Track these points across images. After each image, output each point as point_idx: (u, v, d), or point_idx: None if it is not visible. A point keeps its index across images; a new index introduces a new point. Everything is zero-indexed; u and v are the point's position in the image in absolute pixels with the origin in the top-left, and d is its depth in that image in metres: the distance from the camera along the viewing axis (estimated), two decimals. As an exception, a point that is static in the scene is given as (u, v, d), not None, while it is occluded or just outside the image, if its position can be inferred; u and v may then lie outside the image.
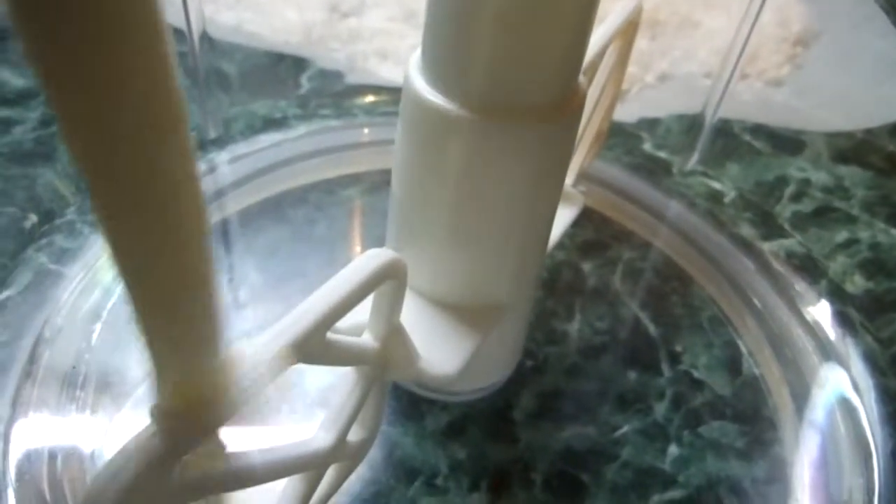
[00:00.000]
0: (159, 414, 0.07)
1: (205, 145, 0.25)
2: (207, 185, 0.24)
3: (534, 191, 0.13)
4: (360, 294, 0.10)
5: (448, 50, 0.12)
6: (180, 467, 0.08)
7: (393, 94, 0.28)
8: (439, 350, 0.13)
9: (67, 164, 0.24)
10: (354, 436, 0.13)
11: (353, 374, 0.12)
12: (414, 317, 0.14)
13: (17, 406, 0.17)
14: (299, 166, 0.25)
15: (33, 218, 0.22)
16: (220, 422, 0.08)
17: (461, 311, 0.14)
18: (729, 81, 0.25)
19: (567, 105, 0.13)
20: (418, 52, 0.13)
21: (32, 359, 0.18)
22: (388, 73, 0.29)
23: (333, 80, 0.29)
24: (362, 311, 0.12)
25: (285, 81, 0.28)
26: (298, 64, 0.29)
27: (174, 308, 0.07)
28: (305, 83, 0.28)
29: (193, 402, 0.08)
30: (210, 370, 0.08)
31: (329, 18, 0.31)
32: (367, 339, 0.12)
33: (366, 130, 0.26)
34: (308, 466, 0.11)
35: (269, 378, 0.08)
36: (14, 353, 0.18)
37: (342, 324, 0.10)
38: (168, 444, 0.07)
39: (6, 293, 0.20)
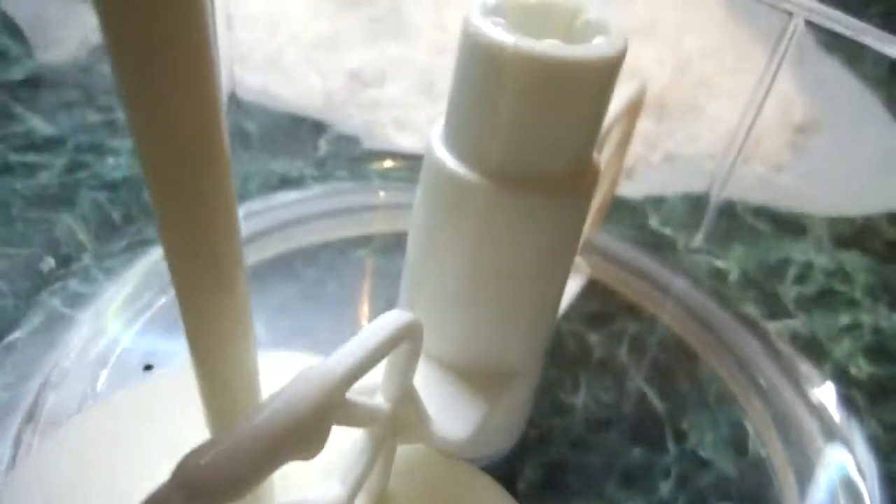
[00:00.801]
0: (187, 476, 0.07)
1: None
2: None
3: (547, 260, 0.14)
4: (380, 354, 0.10)
5: (470, 123, 0.12)
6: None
7: (407, 160, 0.29)
8: (450, 415, 0.13)
9: (87, 210, 0.25)
10: (360, 500, 0.13)
11: (364, 436, 0.12)
12: (425, 380, 0.14)
13: (18, 448, 0.17)
14: (313, 226, 0.26)
15: (50, 262, 0.22)
16: (241, 486, 0.08)
17: (471, 377, 0.14)
18: (734, 162, 0.26)
19: (582, 178, 0.13)
20: (441, 122, 0.14)
21: (37, 402, 0.18)
22: (404, 141, 0.30)
23: (351, 144, 0.29)
24: (374, 373, 0.12)
25: (304, 143, 0.29)
26: (318, 127, 0.30)
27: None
28: (324, 146, 0.29)
29: (217, 459, 0.08)
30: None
31: (350, 86, 0.32)
32: (380, 401, 0.12)
33: (381, 193, 0.27)
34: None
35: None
36: (19, 395, 0.18)
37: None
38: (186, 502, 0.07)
39: (16, 334, 0.20)
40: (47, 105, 0.29)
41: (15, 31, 0.30)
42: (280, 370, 0.10)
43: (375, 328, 0.11)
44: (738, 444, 0.20)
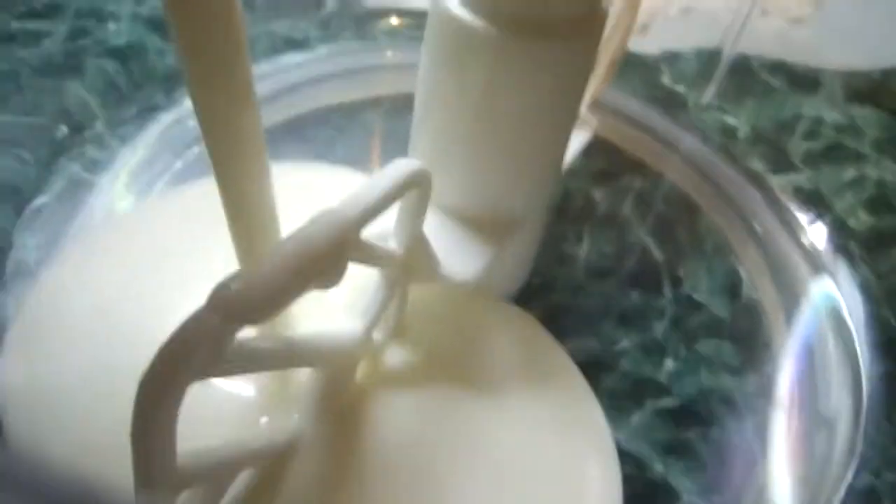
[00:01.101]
0: (222, 300, 0.08)
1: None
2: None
3: (553, 107, 0.14)
4: (390, 198, 0.11)
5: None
6: (233, 344, 0.09)
7: (414, 17, 0.28)
8: (459, 258, 0.14)
9: (95, 78, 0.25)
10: (377, 332, 0.14)
11: (378, 276, 0.13)
12: (434, 227, 0.15)
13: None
14: (320, 88, 0.26)
15: (64, 129, 0.23)
16: (269, 308, 0.09)
17: (478, 224, 0.15)
18: (749, 15, 0.25)
19: (589, 23, 0.13)
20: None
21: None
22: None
23: (355, 2, 0.29)
24: (386, 220, 0.13)
25: (308, 2, 0.28)
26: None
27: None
28: (329, 3, 0.28)
29: (249, 285, 0.09)
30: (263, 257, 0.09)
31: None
32: (392, 245, 0.13)
33: (388, 53, 0.27)
34: (340, 354, 0.12)
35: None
36: (49, 255, 0.20)
37: (369, 230, 0.11)
38: (223, 322, 0.08)
39: (42, 199, 0.21)
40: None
41: None
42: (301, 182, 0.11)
43: (385, 174, 0.11)
44: (732, 289, 0.21)
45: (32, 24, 0.26)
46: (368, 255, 0.12)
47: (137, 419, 0.08)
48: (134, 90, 0.25)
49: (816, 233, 0.22)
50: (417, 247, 0.13)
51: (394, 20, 0.28)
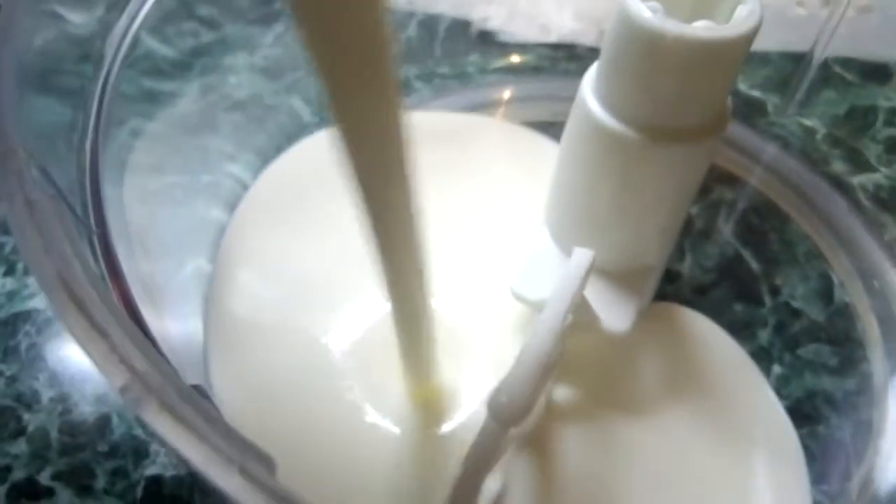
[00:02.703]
0: (499, 413, 0.12)
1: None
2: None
3: (686, 188, 0.17)
4: (581, 289, 0.14)
5: (625, 89, 0.15)
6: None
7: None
8: (612, 311, 0.17)
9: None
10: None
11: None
12: (588, 287, 0.18)
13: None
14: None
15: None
16: (528, 410, 0.12)
17: (620, 277, 0.18)
18: (841, 17, 0.27)
19: (718, 123, 0.16)
20: (591, 73, 0.16)
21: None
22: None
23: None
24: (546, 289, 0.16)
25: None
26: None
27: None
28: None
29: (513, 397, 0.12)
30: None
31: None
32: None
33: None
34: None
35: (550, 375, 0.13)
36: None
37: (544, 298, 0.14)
38: (502, 428, 0.12)
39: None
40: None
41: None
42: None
43: (573, 273, 0.14)
44: (825, 293, 0.23)
45: (167, 85, 0.29)
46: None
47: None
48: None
49: (899, 234, 0.24)
50: (580, 309, 0.17)
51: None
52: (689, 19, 0.14)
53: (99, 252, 0.12)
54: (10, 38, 0.12)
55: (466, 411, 0.17)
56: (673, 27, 0.13)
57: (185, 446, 0.07)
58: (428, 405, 0.17)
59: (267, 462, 0.07)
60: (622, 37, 0.14)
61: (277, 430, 0.16)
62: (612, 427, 0.17)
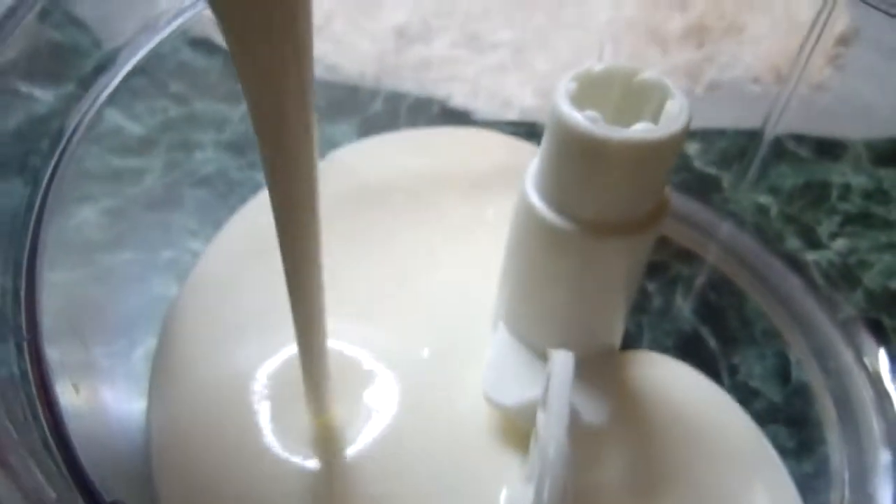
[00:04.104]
0: None
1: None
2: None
3: (633, 273, 0.17)
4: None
5: (566, 186, 0.15)
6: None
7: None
8: (588, 404, 0.17)
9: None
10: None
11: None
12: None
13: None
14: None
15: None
16: None
17: (584, 365, 0.18)
18: (793, 91, 0.28)
19: (659, 212, 0.16)
20: (532, 171, 0.16)
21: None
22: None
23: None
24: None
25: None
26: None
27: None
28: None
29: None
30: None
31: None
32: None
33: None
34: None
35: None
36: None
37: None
38: None
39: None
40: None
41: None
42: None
43: (563, 379, 0.14)
44: (783, 373, 0.23)
45: (133, 161, 0.30)
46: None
47: None
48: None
49: (850, 311, 0.25)
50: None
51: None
52: (618, 120, 0.14)
53: (26, 356, 0.12)
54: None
55: (362, 438, 0.18)
56: (616, 134, 0.14)
57: None
58: (327, 433, 0.18)
59: None
60: (563, 142, 0.15)
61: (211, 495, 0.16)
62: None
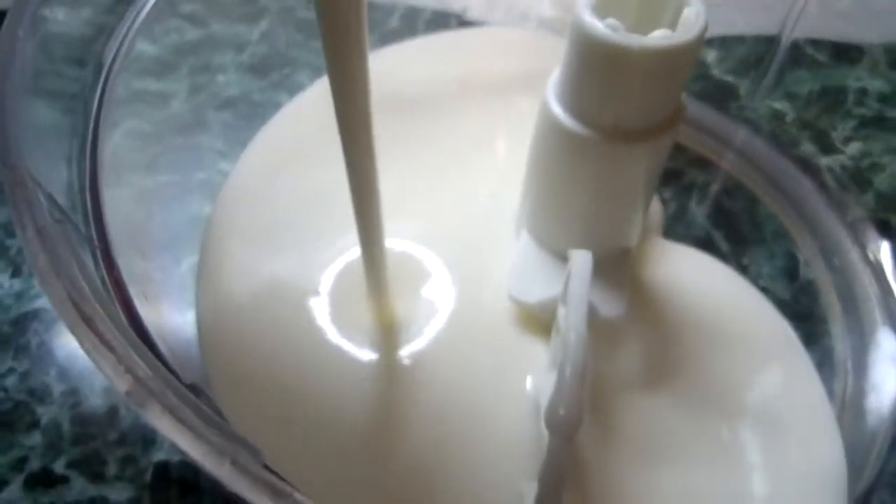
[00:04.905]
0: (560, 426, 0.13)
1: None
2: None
3: (651, 175, 0.18)
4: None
5: (589, 95, 0.16)
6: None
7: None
8: (605, 299, 0.18)
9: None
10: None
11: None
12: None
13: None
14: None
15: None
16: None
17: (602, 264, 0.19)
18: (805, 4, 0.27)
19: (671, 120, 0.17)
20: (553, 80, 0.17)
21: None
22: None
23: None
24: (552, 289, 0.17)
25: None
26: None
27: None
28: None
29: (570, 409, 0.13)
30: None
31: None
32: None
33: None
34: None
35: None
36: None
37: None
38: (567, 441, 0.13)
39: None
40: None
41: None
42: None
43: (579, 274, 0.15)
44: (791, 272, 0.25)
45: (158, 86, 0.30)
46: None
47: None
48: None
49: (860, 213, 0.26)
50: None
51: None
52: (637, 28, 0.15)
53: (102, 265, 0.13)
54: (10, 67, 0.13)
55: (424, 336, 0.19)
56: (636, 41, 0.14)
57: (183, 442, 0.08)
58: (390, 330, 0.19)
59: (254, 452, 0.08)
60: (585, 52, 0.15)
61: (267, 387, 0.18)
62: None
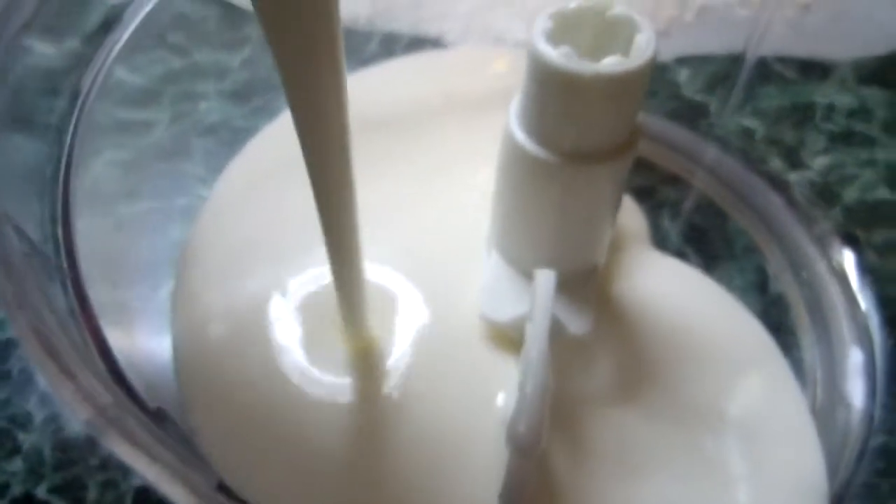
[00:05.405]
0: (521, 443, 0.13)
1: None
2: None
3: (612, 195, 0.18)
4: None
5: (547, 119, 0.16)
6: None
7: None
8: (573, 316, 0.19)
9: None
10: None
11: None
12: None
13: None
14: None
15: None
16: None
17: (569, 281, 0.19)
18: (773, 14, 0.28)
19: (634, 138, 0.17)
20: (514, 107, 0.18)
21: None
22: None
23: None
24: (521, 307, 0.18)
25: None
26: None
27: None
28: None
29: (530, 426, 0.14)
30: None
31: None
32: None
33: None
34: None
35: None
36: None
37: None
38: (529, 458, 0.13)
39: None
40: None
41: None
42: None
43: (542, 293, 0.16)
44: (761, 286, 0.25)
45: (141, 114, 0.31)
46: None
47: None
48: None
49: (827, 227, 0.26)
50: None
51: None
52: (593, 53, 0.15)
53: (72, 293, 0.14)
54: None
55: (398, 356, 0.19)
56: (588, 68, 0.15)
57: (138, 465, 0.09)
58: (364, 352, 0.19)
59: (208, 474, 0.09)
60: (541, 78, 0.16)
61: (242, 410, 0.19)
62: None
